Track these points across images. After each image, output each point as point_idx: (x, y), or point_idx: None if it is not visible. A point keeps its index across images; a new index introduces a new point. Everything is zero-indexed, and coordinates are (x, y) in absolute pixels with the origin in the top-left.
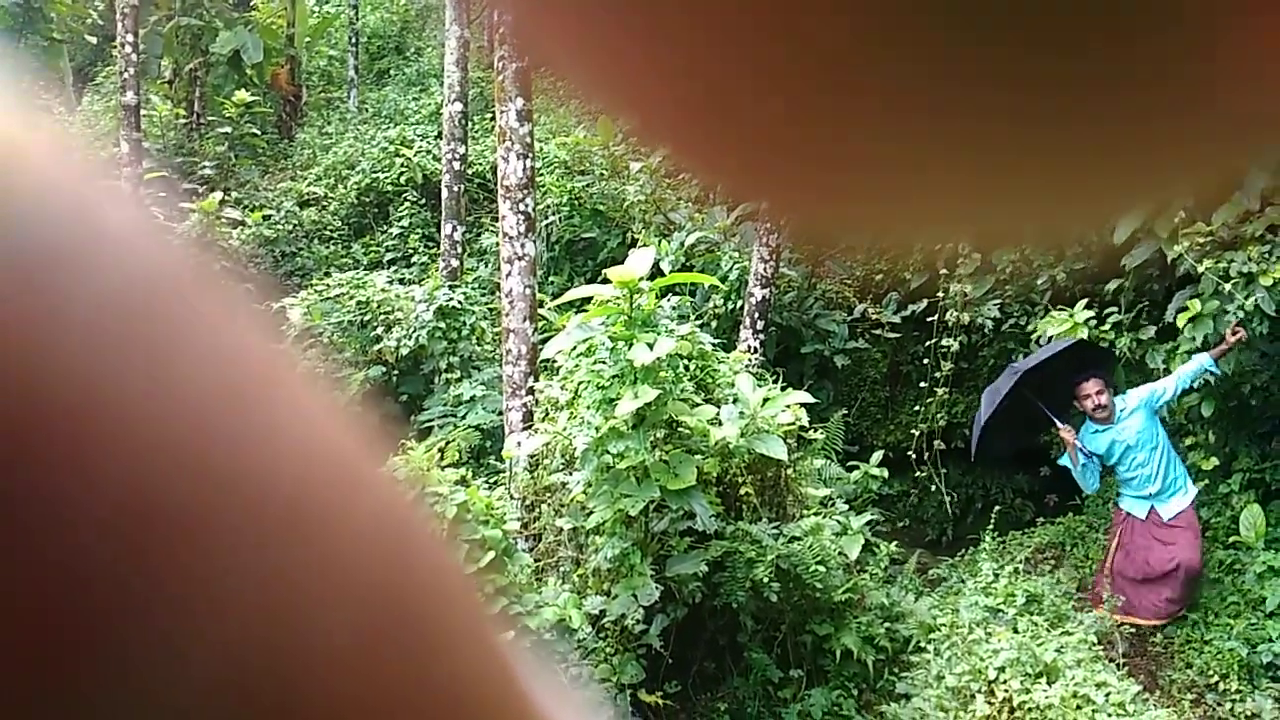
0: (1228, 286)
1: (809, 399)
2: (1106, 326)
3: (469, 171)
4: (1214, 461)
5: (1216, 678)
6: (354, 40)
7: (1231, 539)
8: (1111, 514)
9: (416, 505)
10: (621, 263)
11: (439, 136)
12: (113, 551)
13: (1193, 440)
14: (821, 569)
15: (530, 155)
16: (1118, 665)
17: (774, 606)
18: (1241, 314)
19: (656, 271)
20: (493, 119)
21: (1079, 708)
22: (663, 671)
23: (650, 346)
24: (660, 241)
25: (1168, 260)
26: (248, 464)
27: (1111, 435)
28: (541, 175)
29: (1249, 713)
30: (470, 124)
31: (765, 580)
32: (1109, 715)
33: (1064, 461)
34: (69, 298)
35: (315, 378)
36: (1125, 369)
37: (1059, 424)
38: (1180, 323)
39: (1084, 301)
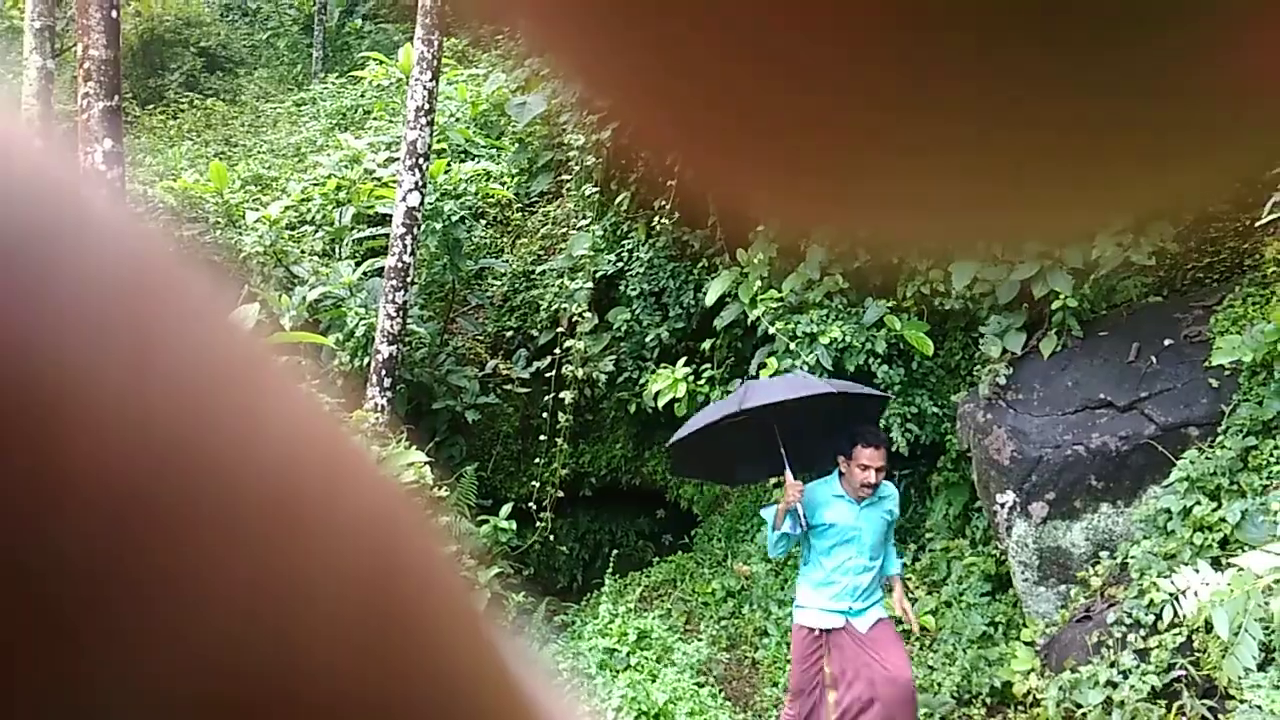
0: (792, 345)
1: (423, 458)
2: (702, 380)
3: None
4: None
5: None
6: None
7: None
8: (791, 636)
9: (405, 495)
10: None
11: None
12: (97, 537)
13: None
14: None
15: (122, 200)
16: (714, 689)
17: None
18: (805, 368)
19: (278, 328)
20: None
21: None
22: None
23: None
24: (281, 296)
25: (748, 320)
26: (235, 451)
27: (851, 516)
28: (143, 223)
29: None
30: None
31: None
32: None
33: (765, 514)
34: (52, 279)
35: (296, 369)
36: None
37: (791, 476)
38: (763, 376)
39: (684, 359)
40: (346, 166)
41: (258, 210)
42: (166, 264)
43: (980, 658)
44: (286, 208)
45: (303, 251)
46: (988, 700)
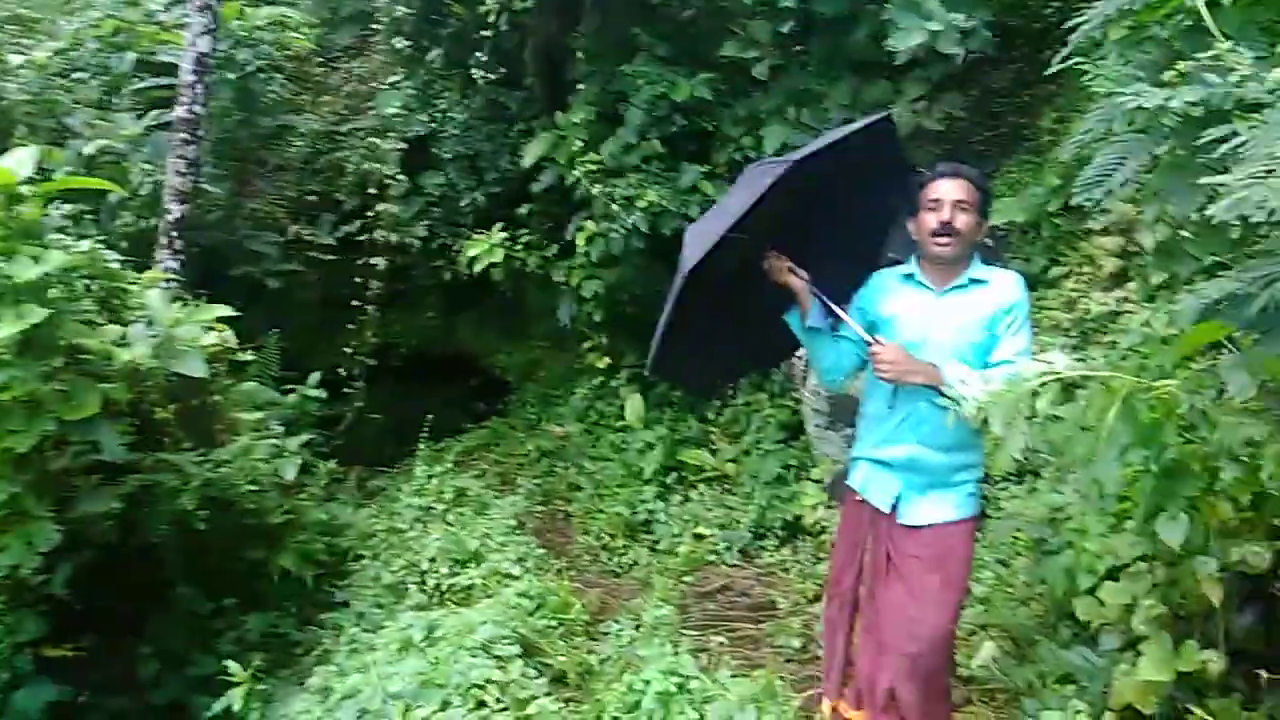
0: (614, 208)
1: (229, 312)
2: (519, 246)
3: None
4: (607, 360)
5: (608, 538)
6: None
7: (620, 424)
8: (840, 503)
9: None
10: None
11: None
12: None
13: (591, 344)
14: (254, 492)
15: None
16: (529, 539)
17: (203, 537)
18: (624, 231)
19: (47, 180)
20: None
21: (499, 582)
22: (72, 622)
23: (36, 260)
24: (53, 150)
25: (566, 185)
26: None
27: (920, 306)
28: None
29: (630, 562)
30: None
31: (191, 510)
32: (522, 582)
33: (790, 319)
34: None
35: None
36: (535, 285)
37: (800, 273)
38: (579, 241)
39: (500, 225)
40: (124, 7)
41: (21, 55)
42: None
43: (774, 496)
44: (56, 52)
45: (76, 102)
46: (779, 533)
